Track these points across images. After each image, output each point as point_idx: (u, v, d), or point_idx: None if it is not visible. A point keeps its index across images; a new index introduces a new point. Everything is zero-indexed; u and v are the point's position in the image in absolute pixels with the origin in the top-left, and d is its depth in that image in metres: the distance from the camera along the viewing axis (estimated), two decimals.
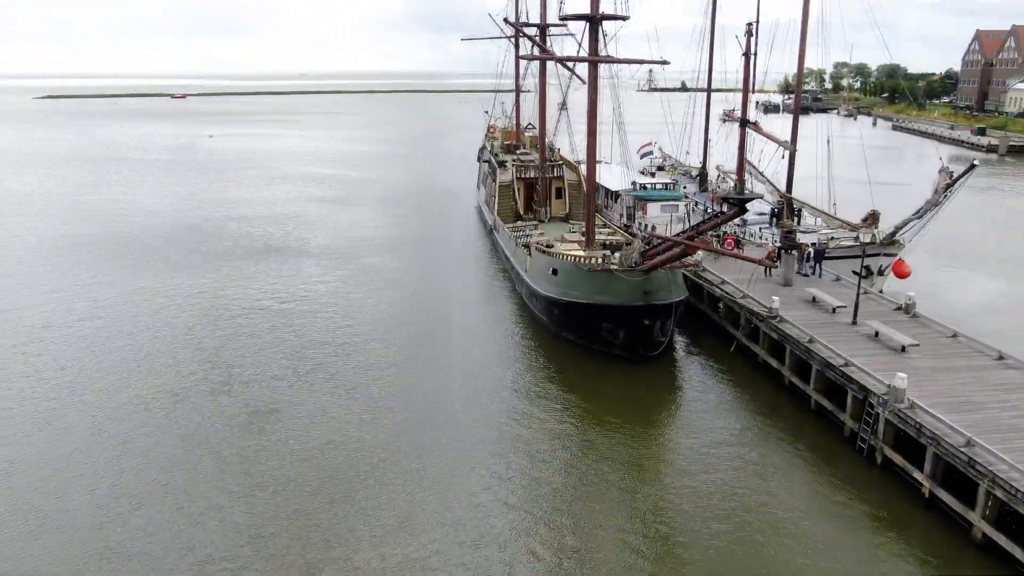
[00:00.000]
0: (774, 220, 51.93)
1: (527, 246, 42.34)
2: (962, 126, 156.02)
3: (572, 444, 26.79)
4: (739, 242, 44.01)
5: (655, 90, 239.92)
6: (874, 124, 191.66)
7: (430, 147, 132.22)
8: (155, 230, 62.58)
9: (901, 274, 40.91)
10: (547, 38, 54.70)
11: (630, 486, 24.12)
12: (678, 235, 32.21)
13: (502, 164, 61.01)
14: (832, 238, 44.75)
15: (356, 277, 49.15)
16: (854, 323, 31.88)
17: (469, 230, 64.13)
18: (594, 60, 36.89)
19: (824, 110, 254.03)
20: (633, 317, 32.63)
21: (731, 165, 62.14)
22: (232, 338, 37.27)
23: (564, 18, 42.18)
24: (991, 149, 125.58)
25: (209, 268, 50.71)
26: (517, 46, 67.89)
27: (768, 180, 54.18)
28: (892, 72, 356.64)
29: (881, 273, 42.01)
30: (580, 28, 37.93)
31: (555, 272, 36.00)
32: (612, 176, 60.24)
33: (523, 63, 67.72)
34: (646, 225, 51.85)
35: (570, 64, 45.49)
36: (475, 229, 64.21)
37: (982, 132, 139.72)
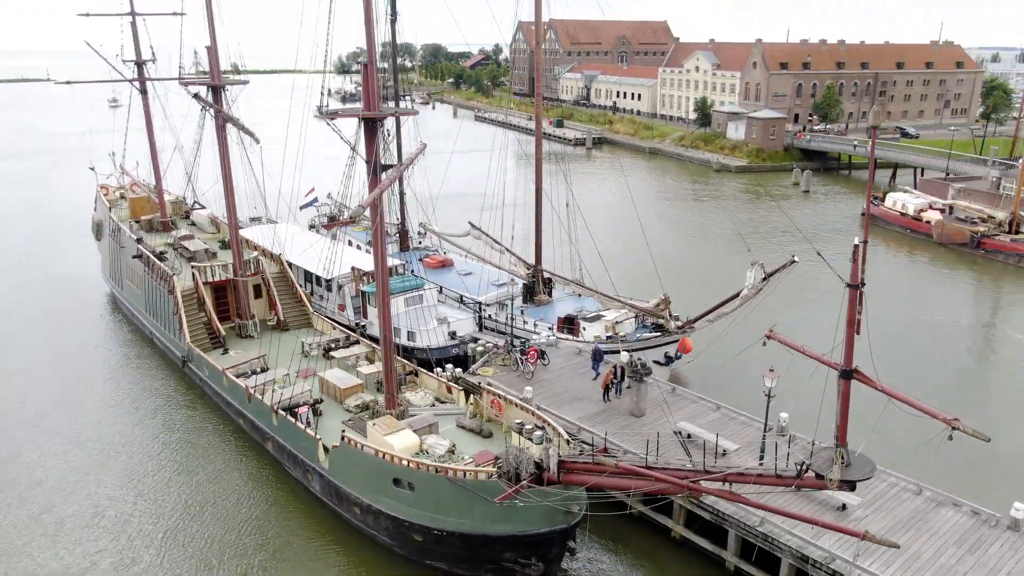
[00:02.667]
0: (527, 296, 47.25)
1: (309, 423, 30.73)
2: (522, 113, 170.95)
3: None
4: (543, 353, 37.91)
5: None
6: (455, 115, 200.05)
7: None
8: None
9: (686, 349, 39.78)
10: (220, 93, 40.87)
11: None
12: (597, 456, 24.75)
13: (161, 256, 45.38)
14: (617, 322, 41.51)
15: None
16: (762, 461, 28.39)
17: (131, 355, 46.83)
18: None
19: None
20: (553, 543, 24.51)
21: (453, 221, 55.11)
22: None
23: (184, 82, 39.01)
24: (579, 143, 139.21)
25: None
26: (144, 91, 50.77)
27: (508, 250, 48.89)
28: (435, 52, 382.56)
29: (678, 357, 40.12)
30: None
31: (411, 487, 25.70)
32: (294, 245, 48.70)
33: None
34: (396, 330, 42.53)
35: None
36: (137, 356, 47.01)
37: (560, 124, 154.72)
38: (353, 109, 28.47)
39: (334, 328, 42.57)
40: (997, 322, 54.39)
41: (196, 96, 39.63)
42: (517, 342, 38.66)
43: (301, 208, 66.09)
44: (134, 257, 46.73)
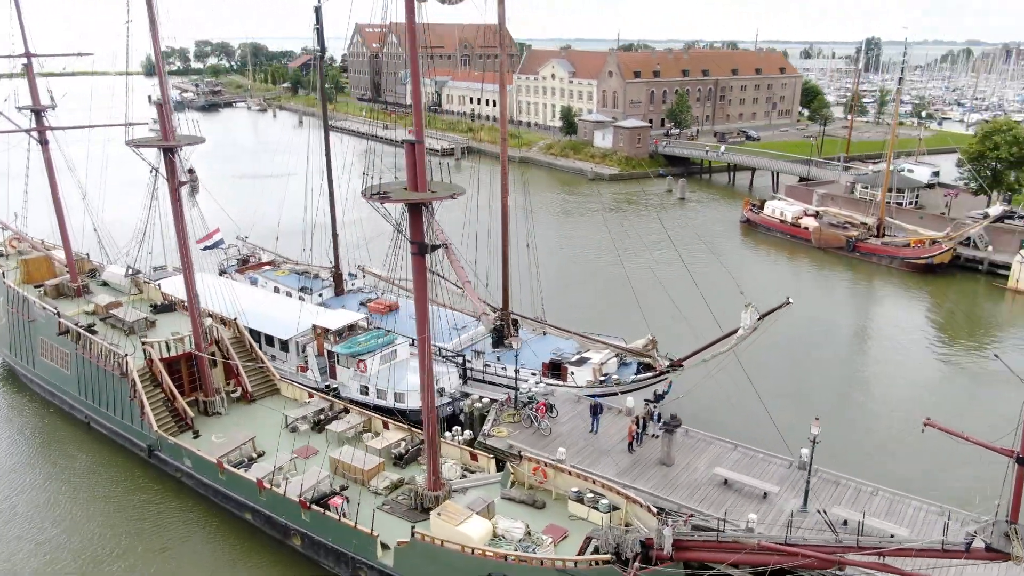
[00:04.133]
0: (497, 341, 46.84)
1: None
2: (395, 124, 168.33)
3: None
4: (551, 407, 37.89)
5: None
6: (300, 123, 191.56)
7: None
8: None
9: None
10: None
11: None
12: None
13: (90, 330, 40.66)
14: (602, 363, 42.34)
15: None
16: (804, 508, 30.38)
17: (63, 443, 41.28)
18: None
19: (230, 103, 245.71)
20: None
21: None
22: None
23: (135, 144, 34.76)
24: (447, 153, 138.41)
25: None
26: (45, 142, 44.73)
27: (472, 293, 48.09)
28: (256, 51, 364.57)
29: (665, 395, 41.59)
30: None
31: None
32: (231, 300, 44.83)
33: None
34: (377, 390, 40.75)
35: None
36: (73, 445, 41.58)
37: None
38: (399, 192, 26.90)
39: (311, 396, 40.03)
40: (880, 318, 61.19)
41: (154, 169, 35.63)
42: (524, 397, 38.37)
43: (204, 249, 61.14)
44: (60, 334, 41.23)
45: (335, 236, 54.99)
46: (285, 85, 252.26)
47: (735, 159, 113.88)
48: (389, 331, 44.66)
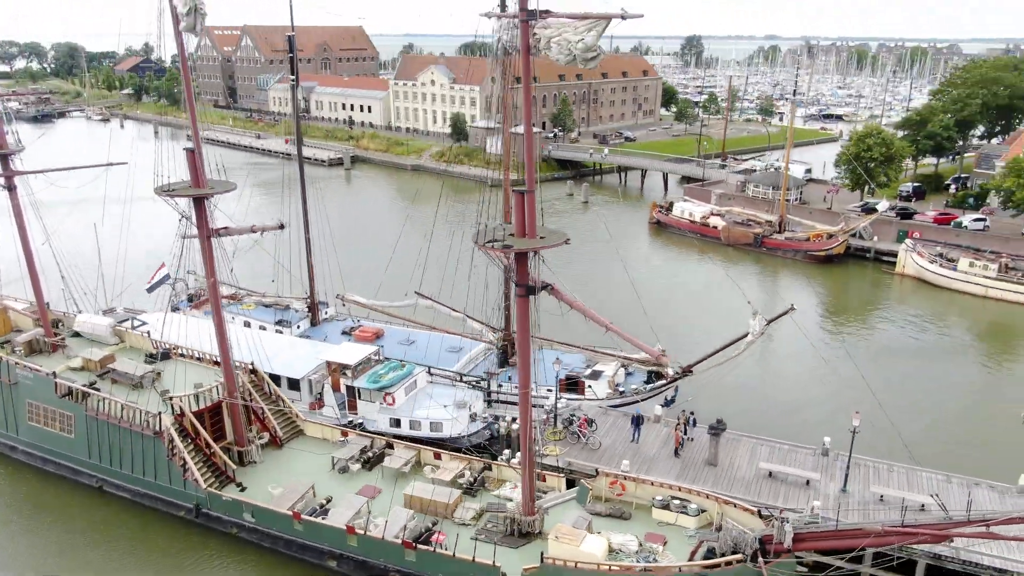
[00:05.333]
0: (502, 361, 48.43)
1: None
2: (267, 133, 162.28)
3: None
4: (591, 421, 40.26)
5: None
6: (156, 133, 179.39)
7: None
8: None
9: None
10: None
11: None
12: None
13: (93, 388, 38.46)
14: (615, 375, 45.31)
15: None
16: (844, 490, 34.85)
17: (79, 514, 38.46)
18: None
19: (63, 113, 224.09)
20: None
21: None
22: None
23: (165, 193, 33.51)
24: (334, 163, 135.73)
25: None
26: (13, 188, 41.10)
27: (469, 315, 49.36)
28: (72, 52, 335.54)
29: (674, 399, 45.26)
30: None
31: None
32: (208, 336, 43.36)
33: None
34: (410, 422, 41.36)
35: None
36: (95, 514, 38.85)
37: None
38: (514, 240, 28.24)
39: (344, 435, 39.93)
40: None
41: (183, 217, 34.35)
42: (564, 414, 40.48)
43: (150, 291, 57.98)
44: (63, 396, 38.38)
45: (310, 267, 54.18)
46: (126, 92, 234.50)
47: (626, 161, 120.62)
48: (403, 361, 45.09)
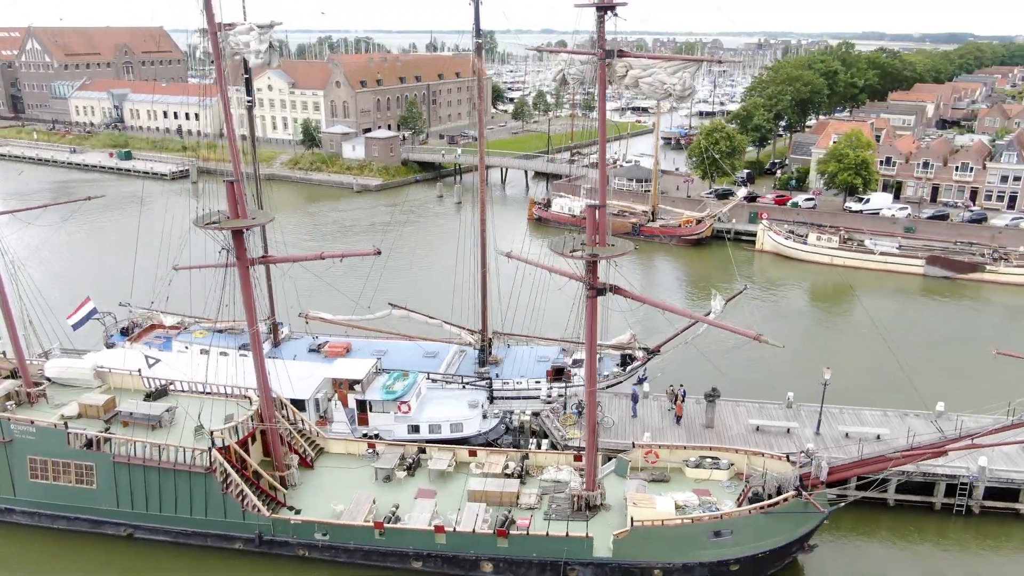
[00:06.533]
0: (484, 361, 51.55)
1: None
2: (83, 147, 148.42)
3: None
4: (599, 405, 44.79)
5: None
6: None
7: None
8: None
9: None
10: None
11: None
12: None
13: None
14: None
15: None
16: (818, 432, 42.56)
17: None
18: None
19: None
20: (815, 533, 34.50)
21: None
22: None
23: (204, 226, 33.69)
24: (178, 176, 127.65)
25: None
26: None
27: (447, 321, 51.95)
28: None
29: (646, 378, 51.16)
30: None
31: (731, 532, 32.53)
32: (217, 370, 43.33)
33: None
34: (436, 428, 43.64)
35: None
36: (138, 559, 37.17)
37: (128, 156, 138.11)
38: (597, 250, 32.10)
39: (371, 446, 41.47)
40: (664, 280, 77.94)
41: (224, 249, 34.43)
42: (574, 402, 44.80)
43: (76, 327, 54.29)
44: (85, 447, 36.51)
45: (270, 288, 53.73)
46: None
47: (488, 160, 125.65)
48: (404, 371, 46.93)
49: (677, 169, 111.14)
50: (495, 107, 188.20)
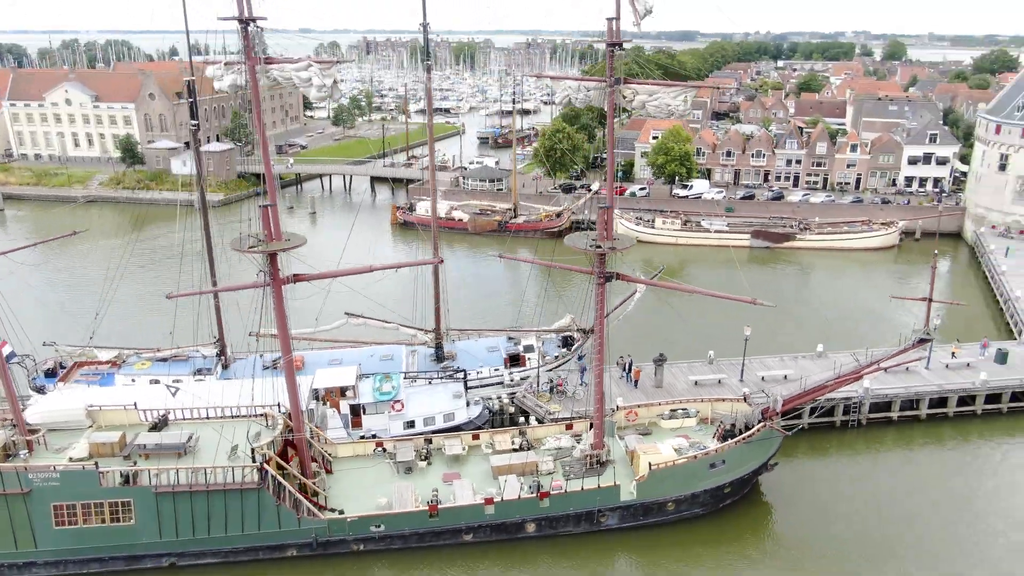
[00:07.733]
0: (440, 357, 55.55)
1: None
2: None
3: None
4: (565, 380, 51.06)
5: None
6: None
7: None
8: None
9: None
10: None
11: None
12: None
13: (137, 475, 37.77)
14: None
15: None
16: (741, 380, 52.22)
17: None
18: None
19: None
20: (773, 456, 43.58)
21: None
22: None
23: (242, 251, 36.28)
24: None
25: None
26: None
27: (402, 324, 55.18)
28: None
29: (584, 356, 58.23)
30: None
31: (723, 462, 40.49)
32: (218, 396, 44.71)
33: None
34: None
35: None
36: None
37: None
38: (614, 242, 38.24)
39: (379, 446, 44.49)
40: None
41: (262, 272, 36.29)
42: (544, 381, 50.65)
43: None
44: (122, 483, 36.23)
45: (218, 310, 53.58)
46: None
47: (325, 169, 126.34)
48: (386, 373, 49.90)
49: (497, 163, 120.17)
50: (305, 114, 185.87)
